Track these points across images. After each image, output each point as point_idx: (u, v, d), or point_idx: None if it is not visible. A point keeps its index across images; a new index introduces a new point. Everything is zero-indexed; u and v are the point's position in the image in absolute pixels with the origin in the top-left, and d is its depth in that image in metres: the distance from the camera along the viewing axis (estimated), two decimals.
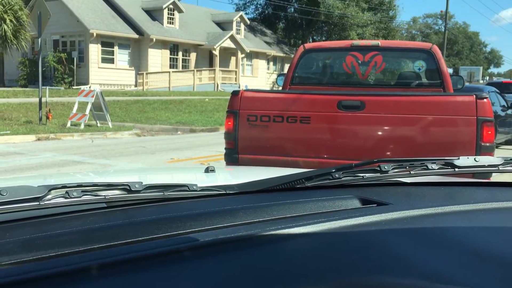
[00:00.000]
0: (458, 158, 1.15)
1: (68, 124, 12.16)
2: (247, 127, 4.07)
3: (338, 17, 35.91)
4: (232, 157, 4.12)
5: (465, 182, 1.32)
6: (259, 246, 0.78)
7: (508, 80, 22.24)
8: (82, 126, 11.94)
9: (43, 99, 12.21)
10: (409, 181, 1.23)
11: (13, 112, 14.17)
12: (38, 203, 0.84)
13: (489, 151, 3.61)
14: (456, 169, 1.14)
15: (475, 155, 3.77)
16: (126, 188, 0.95)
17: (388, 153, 3.82)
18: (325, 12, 35.82)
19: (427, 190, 1.23)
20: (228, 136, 4.14)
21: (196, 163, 7.97)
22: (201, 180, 1.51)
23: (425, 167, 1.14)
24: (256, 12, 40.83)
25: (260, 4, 40.90)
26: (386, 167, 1.13)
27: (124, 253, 0.71)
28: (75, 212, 0.92)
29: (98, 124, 12.58)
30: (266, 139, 4.08)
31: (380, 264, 0.75)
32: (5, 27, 19.18)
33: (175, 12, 28.64)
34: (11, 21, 19.38)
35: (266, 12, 40.24)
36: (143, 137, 11.95)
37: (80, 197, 0.89)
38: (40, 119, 12.23)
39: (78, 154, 8.57)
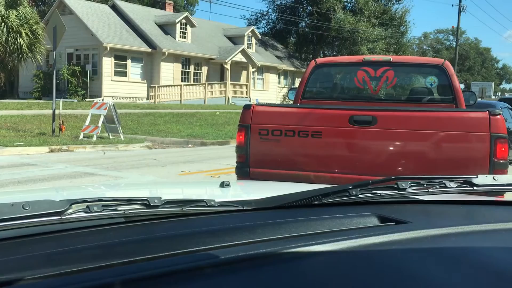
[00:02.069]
0: (477, 177, 1.14)
1: (81, 136, 12.28)
2: (258, 141, 4.08)
3: (349, 32, 36.04)
4: (243, 171, 4.13)
5: (484, 201, 1.31)
6: (279, 264, 0.78)
7: None
8: (94, 138, 12.04)
9: (57, 111, 12.36)
10: (427, 199, 1.22)
11: (27, 124, 14.34)
12: (60, 217, 0.85)
13: (502, 168, 3.57)
14: (475, 188, 1.13)
15: (489, 172, 3.71)
16: (145, 203, 0.95)
17: (400, 168, 3.79)
18: (336, 27, 35.97)
19: (446, 209, 1.22)
20: (240, 150, 4.15)
21: (207, 176, 7.99)
22: (217, 195, 1.52)
23: (443, 185, 1.14)
24: (268, 27, 41.18)
25: (271, 19, 41.26)
26: (403, 184, 1.13)
27: (146, 269, 0.71)
28: (95, 227, 0.93)
29: (110, 136, 12.69)
30: (278, 153, 4.08)
31: (400, 284, 0.74)
32: (21, 40, 19.57)
33: (188, 27, 28.96)
34: (26, 34, 19.77)
35: (277, 27, 40.52)
36: (154, 150, 12.02)
37: (100, 211, 0.90)
38: (53, 131, 12.36)
39: (90, 166, 8.64)
